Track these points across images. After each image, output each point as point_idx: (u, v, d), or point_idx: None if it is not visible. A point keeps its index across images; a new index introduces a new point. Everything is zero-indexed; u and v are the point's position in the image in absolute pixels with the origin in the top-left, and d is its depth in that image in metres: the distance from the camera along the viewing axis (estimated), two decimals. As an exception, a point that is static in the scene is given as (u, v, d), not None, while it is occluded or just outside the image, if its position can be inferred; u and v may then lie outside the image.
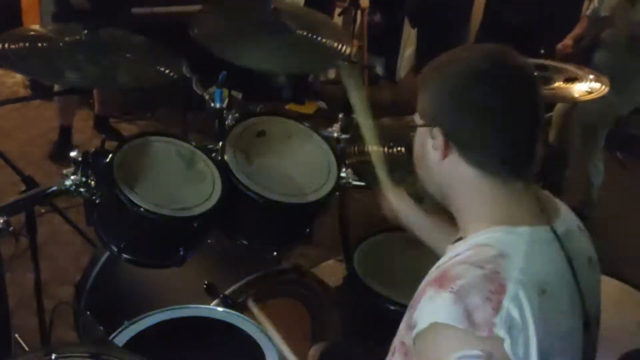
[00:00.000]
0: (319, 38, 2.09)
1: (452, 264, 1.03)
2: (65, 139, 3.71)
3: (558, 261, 1.06)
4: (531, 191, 1.10)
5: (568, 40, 3.54)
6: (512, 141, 1.05)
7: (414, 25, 4.43)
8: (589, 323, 1.09)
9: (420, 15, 4.16)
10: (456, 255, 1.05)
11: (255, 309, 1.64)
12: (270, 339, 1.44)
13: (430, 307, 0.98)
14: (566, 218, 1.14)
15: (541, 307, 0.97)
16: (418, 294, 1.07)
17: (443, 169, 1.09)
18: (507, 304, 0.95)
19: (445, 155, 1.08)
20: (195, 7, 3.87)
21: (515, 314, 0.94)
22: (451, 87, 1.06)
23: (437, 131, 1.07)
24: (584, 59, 3.23)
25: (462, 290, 0.96)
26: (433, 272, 1.08)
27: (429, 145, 1.10)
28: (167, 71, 1.90)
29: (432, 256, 1.27)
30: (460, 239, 1.14)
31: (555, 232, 1.06)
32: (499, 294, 0.95)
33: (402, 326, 1.14)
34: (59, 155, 3.56)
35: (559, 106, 3.55)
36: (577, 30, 3.60)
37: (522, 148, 1.06)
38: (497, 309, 0.94)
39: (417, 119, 1.14)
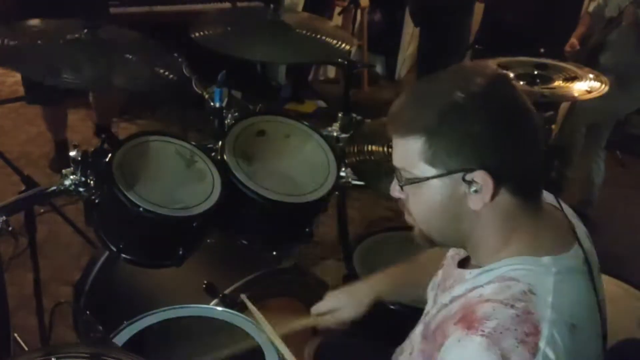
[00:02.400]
0: (318, 35, 2.10)
1: (476, 302, 0.97)
2: (62, 154, 3.52)
3: (583, 288, 1.02)
4: (545, 211, 1.06)
5: (574, 39, 3.54)
6: (539, 160, 1.01)
7: (416, 24, 4.42)
8: (606, 337, 1.07)
9: (422, 15, 4.15)
10: (476, 287, 1.01)
11: (249, 304, 1.58)
12: (270, 339, 1.43)
13: (461, 353, 0.93)
14: (580, 229, 1.11)
15: (573, 345, 0.94)
16: (437, 327, 1.03)
17: (485, 209, 0.99)
18: (543, 346, 0.91)
19: (494, 195, 0.97)
20: (195, 7, 3.92)
21: (552, 356, 0.91)
22: (483, 124, 0.95)
23: (479, 173, 0.96)
24: (590, 60, 3.23)
25: (495, 333, 0.90)
26: (451, 306, 1.03)
27: (458, 192, 0.99)
28: (166, 71, 1.89)
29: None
30: (467, 260, 1.11)
31: (586, 259, 1.03)
32: (534, 335, 0.91)
33: (420, 357, 1.10)
34: (59, 169, 3.49)
35: (563, 105, 3.54)
36: (581, 28, 3.59)
37: (541, 162, 1.02)
38: (533, 352, 0.90)
39: (423, 171, 1.00)
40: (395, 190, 1.07)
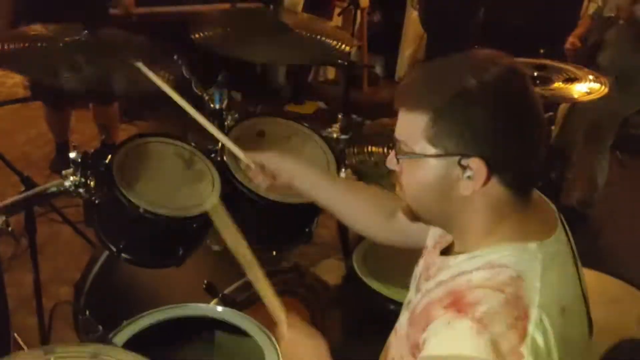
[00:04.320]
0: (318, 36, 2.10)
1: (466, 287, 0.97)
2: (62, 155, 3.49)
3: (568, 272, 1.04)
4: (534, 200, 1.07)
5: (573, 39, 3.54)
6: (540, 153, 1.01)
7: (426, 29, 4.45)
8: (592, 324, 1.08)
9: (432, 20, 4.17)
10: (462, 272, 1.01)
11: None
12: (269, 337, 1.43)
13: (450, 335, 0.94)
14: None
15: (563, 329, 0.95)
16: (422, 310, 1.04)
17: (475, 196, 1.00)
18: (532, 330, 0.91)
19: (486, 182, 0.98)
20: (195, 7, 3.92)
21: (540, 341, 0.91)
22: (489, 114, 0.96)
23: (475, 160, 0.97)
24: (588, 59, 3.22)
25: (485, 317, 0.91)
26: (437, 290, 1.03)
27: (451, 175, 0.99)
28: (166, 72, 1.90)
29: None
30: (451, 248, 1.12)
31: (569, 240, 1.04)
32: (523, 319, 0.92)
33: (404, 342, 1.11)
34: (59, 170, 3.46)
35: (563, 106, 3.55)
36: (581, 29, 3.59)
37: (542, 158, 1.03)
38: (522, 336, 0.91)
39: (422, 148, 1.00)
40: (391, 162, 1.09)
